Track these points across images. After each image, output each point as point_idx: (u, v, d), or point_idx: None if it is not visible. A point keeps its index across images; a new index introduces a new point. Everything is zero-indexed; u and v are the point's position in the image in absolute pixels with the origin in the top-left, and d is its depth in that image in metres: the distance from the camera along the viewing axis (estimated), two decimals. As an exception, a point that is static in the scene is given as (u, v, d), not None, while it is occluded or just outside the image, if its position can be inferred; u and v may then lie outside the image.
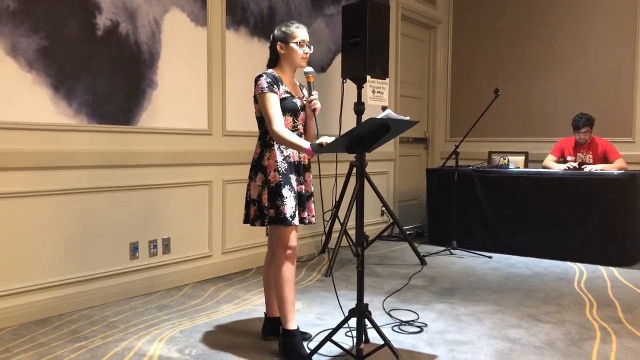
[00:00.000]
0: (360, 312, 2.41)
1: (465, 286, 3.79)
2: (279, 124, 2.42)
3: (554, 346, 2.67)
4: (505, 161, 5.10)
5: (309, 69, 2.54)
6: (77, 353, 2.53)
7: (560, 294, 3.59)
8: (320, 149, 2.32)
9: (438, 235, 5.21)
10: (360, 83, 4.20)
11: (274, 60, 2.60)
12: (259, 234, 4.13)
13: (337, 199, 4.52)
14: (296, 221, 2.48)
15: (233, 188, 4.06)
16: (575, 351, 2.61)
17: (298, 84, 2.68)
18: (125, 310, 3.19)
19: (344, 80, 4.24)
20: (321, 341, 2.45)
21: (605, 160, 4.85)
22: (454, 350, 2.61)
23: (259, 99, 2.48)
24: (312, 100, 2.52)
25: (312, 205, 2.64)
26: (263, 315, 2.83)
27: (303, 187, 2.57)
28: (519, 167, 5.16)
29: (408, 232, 5.30)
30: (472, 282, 3.91)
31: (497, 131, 6.20)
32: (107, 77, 3.30)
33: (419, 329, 2.89)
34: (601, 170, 4.63)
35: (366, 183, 4.02)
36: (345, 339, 2.64)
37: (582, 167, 4.76)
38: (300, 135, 2.55)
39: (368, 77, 4.13)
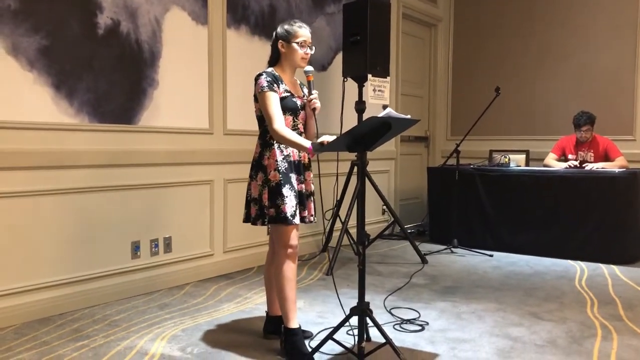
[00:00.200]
0: (362, 310, 2.41)
1: (467, 284, 3.79)
2: (280, 122, 2.42)
3: (555, 344, 2.67)
4: (506, 160, 5.10)
5: (309, 68, 2.54)
6: (79, 352, 2.53)
7: (562, 292, 3.59)
8: (321, 147, 2.32)
9: (439, 234, 5.21)
10: (361, 82, 4.20)
11: (275, 58, 2.60)
12: (261, 232, 4.13)
13: (338, 198, 4.52)
14: (297, 220, 2.48)
15: (234, 187, 4.06)
16: (576, 349, 2.61)
17: (298, 82, 2.68)
18: (127, 309, 3.19)
19: (345, 79, 4.24)
20: (323, 340, 2.45)
21: (607, 158, 4.85)
22: (455, 349, 2.61)
23: (259, 98, 2.48)
24: (312, 100, 2.52)
25: (312, 204, 2.64)
26: (264, 314, 2.83)
27: (303, 186, 2.57)
28: (520, 166, 5.17)
29: (409, 231, 5.31)
30: (473, 280, 3.92)
31: (498, 130, 6.20)
32: (108, 76, 3.31)
33: (420, 328, 2.89)
34: (602, 168, 4.62)
35: (367, 182, 4.02)
36: (347, 338, 2.64)
37: (583, 165, 4.76)
38: (300, 134, 2.55)
39: (369, 76, 4.13)
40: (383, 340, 2.38)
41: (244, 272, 4.09)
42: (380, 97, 4.40)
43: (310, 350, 2.46)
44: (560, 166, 4.89)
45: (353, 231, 4.37)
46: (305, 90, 2.62)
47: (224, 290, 3.61)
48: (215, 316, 3.08)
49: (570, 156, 5.00)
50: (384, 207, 5.38)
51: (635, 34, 5.47)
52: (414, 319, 3.01)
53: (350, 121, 4.05)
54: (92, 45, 3.21)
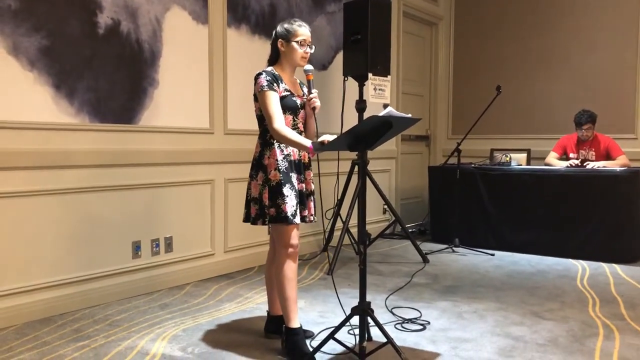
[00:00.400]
0: (363, 310, 2.41)
1: (468, 284, 3.79)
2: (280, 122, 2.42)
3: (557, 343, 2.67)
4: (508, 158, 5.10)
5: (309, 67, 2.54)
6: (80, 352, 2.53)
7: (563, 291, 3.58)
8: (321, 147, 2.32)
9: (440, 233, 5.20)
10: (361, 81, 4.19)
11: (275, 57, 2.59)
12: (261, 232, 4.13)
13: (339, 197, 4.51)
14: (297, 219, 2.48)
15: (235, 186, 4.06)
16: (578, 348, 2.61)
17: (298, 81, 2.67)
18: (127, 309, 3.19)
19: (346, 78, 4.24)
20: (324, 339, 2.45)
21: (608, 157, 4.84)
22: (456, 348, 2.61)
23: (259, 97, 2.48)
24: (312, 99, 2.52)
25: (312, 203, 2.63)
26: (265, 314, 2.83)
27: (304, 185, 2.57)
28: (521, 165, 5.16)
29: (410, 230, 5.30)
30: (475, 279, 3.91)
31: (499, 128, 6.19)
32: (109, 76, 3.30)
33: (421, 327, 2.89)
34: (604, 167, 4.61)
35: (368, 181, 4.02)
36: (348, 337, 2.64)
37: (585, 164, 4.75)
38: (300, 133, 2.55)
39: (369, 75, 4.12)
40: (384, 340, 2.37)
41: (244, 272, 4.09)
42: (381, 96, 4.39)
43: (311, 349, 2.45)
44: (561, 165, 4.88)
45: (354, 230, 4.37)
46: (305, 89, 2.61)
47: (224, 290, 3.61)
48: (216, 316, 3.08)
49: (571, 155, 4.99)
50: (385, 206, 5.38)
51: (637, 31, 5.46)
52: (415, 319, 3.01)
53: (351, 120, 4.05)
54: (92, 45, 3.21)
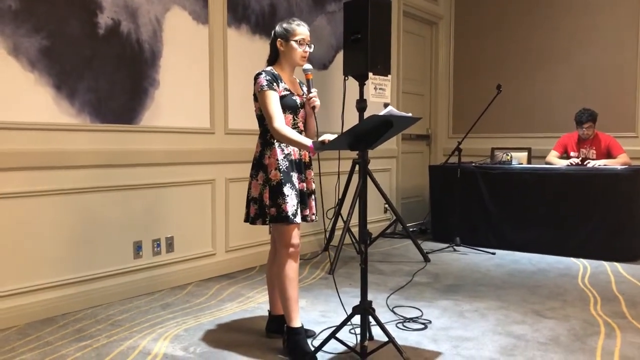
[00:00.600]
0: (364, 309, 2.41)
1: (469, 283, 3.79)
2: (280, 121, 2.42)
3: (558, 342, 2.67)
4: (508, 157, 5.10)
5: (308, 66, 2.54)
6: (83, 352, 2.54)
7: (564, 290, 3.58)
8: (322, 146, 2.32)
9: (441, 232, 5.20)
10: (362, 80, 4.19)
11: (274, 57, 2.59)
12: (263, 232, 4.13)
13: (340, 197, 4.52)
14: (298, 219, 2.48)
15: (236, 186, 4.06)
16: (579, 347, 2.61)
17: (298, 81, 2.68)
18: (129, 309, 3.20)
19: (346, 78, 4.24)
20: (325, 338, 2.45)
21: (609, 155, 4.83)
22: (458, 347, 2.61)
23: (258, 97, 2.48)
24: (311, 98, 2.52)
25: (314, 203, 2.64)
26: (267, 313, 2.83)
27: (304, 184, 2.57)
28: (522, 164, 5.15)
29: (411, 229, 5.31)
30: (476, 278, 3.91)
31: (500, 127, 6.19)
32: (110, 76, 3.31)
33: (423, 326, 2.89)
34: (604, 165, 4.61)
35: (369, 180, 4.02)
36: (350, 336, 2.64)
37: (585, 162, 4.75)
38: (300, 132, 2.55)
39: (370, 74, 4.12)
40: (386, 339, 2.38)
41: (246, 272, 4.09)
42: (381, 95, 4.39)
43: (312, 349, 2.46)
44: (562, 163, 4.88)
45: (355, 230, 4.37)
46: (305, 89, 2.61)
47: (226, 289, 3.61)
48: (217, 316, 3.08)
49: (572, 153, 4.99)
50: (386, 205, 5.39)
51: (637, 30, 5.45)
52: (417, 318, 3.01)
53: (352, 120, 4.05)
54: (93, 45, 3.21)
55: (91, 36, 3.21)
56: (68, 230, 3.14)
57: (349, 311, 2.46)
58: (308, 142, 2.36)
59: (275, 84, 2.47)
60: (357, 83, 4.21)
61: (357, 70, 4.12)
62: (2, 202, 2.86)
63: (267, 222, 2.49)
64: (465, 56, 6.56)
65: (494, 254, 4.71)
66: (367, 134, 2.36)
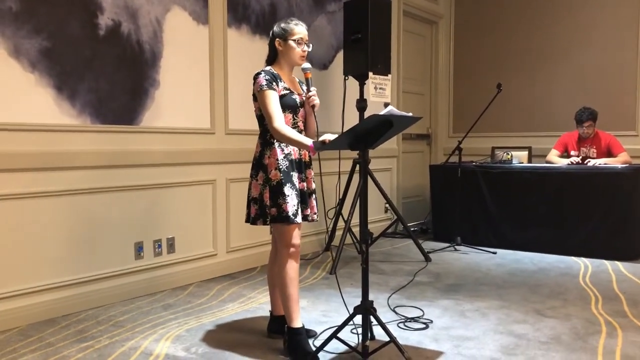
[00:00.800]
0: (366, 309, 2.41)
1: (470, 282, 3.79)
2: (280, 121, 2.42)
3: (560, 341, 2.67)
4: (509, 156, 5.09)
5: (307, 64, 2.54)
6: (84, 353, 2.54)
7: (566, 289, 3.58)
8: (323, 146, 2.32)
9: (442, 232, 5.20)
10: (362, 80, 4.20)
11: (273, 57, 2.60)
12: (264, 232, 4.13)
13: (340, 197, 4.52)
14: (299, 219, 2.48)
15: (237, 186, 4.07)
16: (580, 346, 2.61)
17: (297, 80, 2.68)
18: (131, 309, 3.20)
19: (346, 77, 4.24)
20: (327, 338, 2.45)
21: (609, 154, 4.83)
22: (459, 346, 2.61)
23: (258, 97, 2.48)
24: (311, 97, 2.52)
25: (314, 202, 2.64)
26: (268, 314, 2.83)
27: (305, 184, 2.57)
28: (522, 163, 5.15)
29: (412, 229, 5.30)
30: (477, 278, 3.91)
31: (500, 126, 6.19)
32: (110, 77, 3.31)
33: (424, 326, 2.89)
34: (605, 164, 4.61)
35: (369, 180, 4.02)
36: (351, 336, 2.64)
37: (586, 161, 4.74)
38: (300, 132, 2.55)
39: (370, 74, 4.12)
40: (387, 339, 2.37)
41: (247, 272, 4.09)
42: (381, 95, 4.39)
43: (314, 349, 2.46)
44: (562, 162, 4.88)
45: (356, 230, 4.37)
46: (304, 88, 2.61)
47: (227, 290, 3.62)
48: (219, 316, 3.08)
49: (572, 152, 4.99)
50: (387, 205, 5.38)
51: (637, 28, 5.45)
52: (418, 317, 3.01)
53: (352, 119, 4.05)
54: (93, 46, 3.22)
55: (92, 37, 3.21)
56: (69, 231, 3.14)
57: (351, 311, 2.46)
58: (308, 141, 2.36)
59: (274, 83, 2.47)
60: (357, 83, 4.22)
61: (357, 69, 4.12)
62: (3, 204, 2.87)
63: (268, 222, 2.49)
64: (465, 55, 6.56)
65: (494, 253, 4.71)
66: (367, 134, 2.36)
